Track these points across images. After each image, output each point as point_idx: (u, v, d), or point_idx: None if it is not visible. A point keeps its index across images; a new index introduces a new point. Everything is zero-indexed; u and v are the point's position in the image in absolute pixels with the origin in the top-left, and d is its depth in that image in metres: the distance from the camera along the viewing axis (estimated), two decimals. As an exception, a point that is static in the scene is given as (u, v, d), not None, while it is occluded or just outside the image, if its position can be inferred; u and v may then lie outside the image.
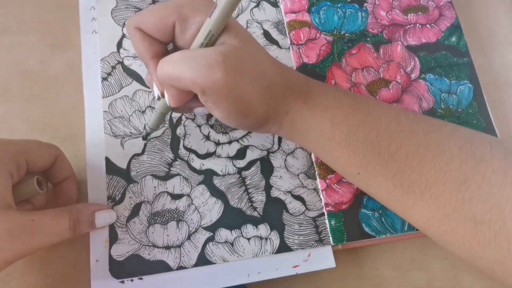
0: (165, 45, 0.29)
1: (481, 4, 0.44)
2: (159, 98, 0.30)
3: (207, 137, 0.36)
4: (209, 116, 0.37)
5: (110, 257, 0.32)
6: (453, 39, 0.40)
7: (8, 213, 0.26)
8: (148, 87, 0.37)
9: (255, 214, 0.34)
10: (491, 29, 0.43)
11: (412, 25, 0.40)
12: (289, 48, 0.39)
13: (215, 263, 0.33)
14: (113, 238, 0.33)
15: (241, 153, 0.36)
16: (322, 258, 0.34)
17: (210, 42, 0.26)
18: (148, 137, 0.36)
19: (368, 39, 0.39)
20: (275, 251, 0.33)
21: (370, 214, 0.34)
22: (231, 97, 0.26)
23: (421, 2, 0.41)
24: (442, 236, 0.27)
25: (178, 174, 0.35)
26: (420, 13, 0.41)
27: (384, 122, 0.28)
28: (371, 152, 0.28)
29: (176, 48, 0.29)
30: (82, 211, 0.31)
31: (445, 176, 0.26)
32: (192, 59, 0.26)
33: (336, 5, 0.40)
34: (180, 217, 0.34)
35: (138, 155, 0.35)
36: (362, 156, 0.28)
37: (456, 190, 0.25)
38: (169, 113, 0.37)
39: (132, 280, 0.32)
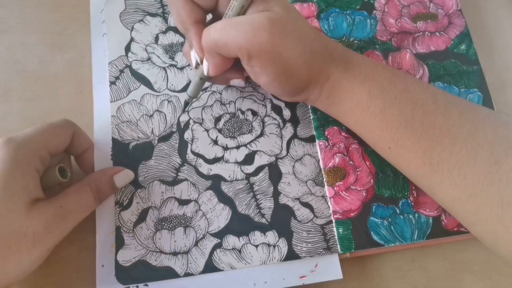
0: (205, 13, 0.31)
1: (490, 12, 0.44)
2: (196, 66, 0.31)
3: (215, 142, 0.36)
4: (218, 120, 0.37)
5: (116, 262, 0.32)
6: (463, 47, 0.39)
7: (40, 207, 0.28)
8: (157, 91, 0.37)
9: (263, 220, 0.34)
10: (500, 37, 0.43)
11: (421, 32, 0.40)
12: (298, 54, 0.39)
13: (222, 270, 0.32)
14: (119, 243, 0.32)
15: (249, 159, 0.36)
16: (329, 269, 0.33)
17: (247, 7, 0.28)
18: (188, 107, 0.37)
19: (377, 46, 0.39)
20: (283, 258, 0.33)
21: (379, 222, 0.34)
22: (276, 59, 0.27)
23: (430, 9, 0.41)
24: (466, 216, 0.27)
25: (186, 179, 0.35)
26: (429, 20, 0.41)
27: (421, 99, 0.28)
28: (404, 127, 0.28)
29: (216, 17, 0.31)
30: (100, 179, 0.32)
31: (476, 157, 0.26)
32: (238, 24, 0.27)
33: (345, 12, 0.40)
34: (188, 223, 0.33)
35: (146, 160, 0.35)
36: (395, 130, 0.28)
37: (485, 171, 0.25)
38: (180, 112, 0.37)
39: (137, 287, 0.32)
